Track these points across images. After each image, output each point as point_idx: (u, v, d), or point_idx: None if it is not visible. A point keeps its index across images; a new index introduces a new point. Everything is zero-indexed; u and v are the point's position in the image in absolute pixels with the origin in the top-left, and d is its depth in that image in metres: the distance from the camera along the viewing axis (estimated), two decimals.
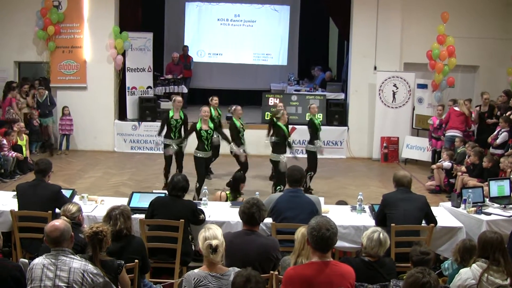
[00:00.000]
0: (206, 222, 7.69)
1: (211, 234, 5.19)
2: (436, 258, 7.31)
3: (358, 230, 7.87)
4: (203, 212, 7.91)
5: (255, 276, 4.76)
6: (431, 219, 7.68)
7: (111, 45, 16.41)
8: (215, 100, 13.30)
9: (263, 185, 12.04)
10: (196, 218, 7.65)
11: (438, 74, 15.69)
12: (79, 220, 6.69)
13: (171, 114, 12.11)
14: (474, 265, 5.66)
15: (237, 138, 12.30)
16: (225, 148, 12.71)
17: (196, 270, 5.20)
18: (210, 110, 11.96)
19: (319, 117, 12.61)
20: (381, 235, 5.72)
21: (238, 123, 12.42)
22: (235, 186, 9.65)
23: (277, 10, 21.72)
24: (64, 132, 16.28)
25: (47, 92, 15.79)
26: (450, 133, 14.07)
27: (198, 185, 11.11)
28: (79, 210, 6.79)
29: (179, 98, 12.47)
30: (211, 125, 11.33)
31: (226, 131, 12.33)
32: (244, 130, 12.49)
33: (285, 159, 11.26)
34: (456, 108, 14.19)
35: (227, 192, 9.68)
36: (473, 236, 7.85)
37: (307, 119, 12.89)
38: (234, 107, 12.73)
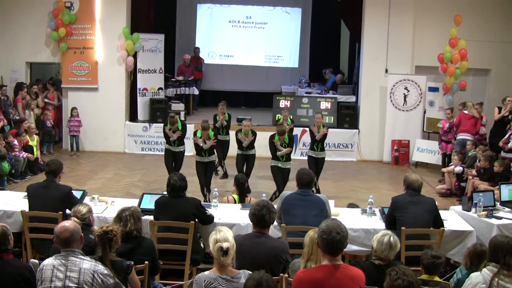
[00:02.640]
0: (215, 224, 7.72)
1: (222, 237, 5.19)
2: (446, 262, 7.29)
3: (368, 233, 7.88)
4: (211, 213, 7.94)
5: (267, 280, 4.75)
6: (439, 223, 7.66)
7: (122, 46, 16.45)
8: (221, 106, 13.74)
9: (271, 187, 12.03)
10: (202, 213, 7.66)
11: (449, 77, 15.60)
12: (89, 221, 6.72)
13: (168, 127, 12.23)
14: (484, 269, 5.63)
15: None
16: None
17: (206, 272, 5.19)
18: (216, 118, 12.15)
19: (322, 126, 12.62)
20: (391, 238, 5.69)
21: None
22: (240, 188, 9.65)
23: (289, 12, 21.72)
24: (72, 133, 16.28)
25: (3, 98, 15.06)
26: (461, 136, 14.00)
27: (200, 188, 11.64)
28: (90, 211, 6.81)
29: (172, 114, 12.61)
30: (211, 134, 11.68)
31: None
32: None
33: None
34: (466, 111, 14.12)
35: (234, 195, 9.67)
36: (484, 240, 7.81)
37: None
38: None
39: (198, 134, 11.51)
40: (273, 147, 11.46)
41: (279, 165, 11.48)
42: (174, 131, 12.00)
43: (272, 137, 11.51)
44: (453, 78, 15.56)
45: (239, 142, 12.45)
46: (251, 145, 12.52)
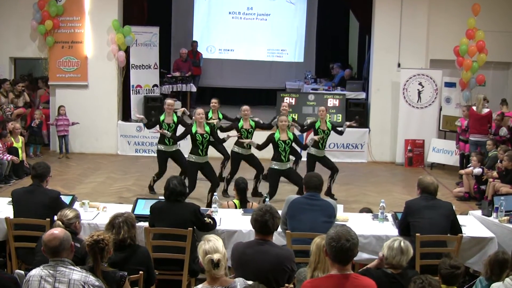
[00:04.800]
0: (216, 231, 7.71)
1: (211, 247, 5.16)
2: (465, 271, 7.27)
3: (380, 240, 7.83)
4: (214, 220, 7.92)
5: None
6: (456, 229, 7.64)
7: (113, 40, 16.44)
8: (213, 102, 13.50)
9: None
10: (199, 220, 7.61)
11: (466, 71, 15.57)
12: (75, 227, 6.66)
13: (162, 118, 12.34)
14: (507, 279, 5.61)
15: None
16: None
17: (199, 286, 5.19)
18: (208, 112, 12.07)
19: (329, 121, 12.52)
20: (402, 243, 5.71)
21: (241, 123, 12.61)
22: (242, 194, 9.64)
23: (293, 3, 21.71)
24: (61, 134, 16.25)
25: None
26: (473, 137, 13.95)
27: (188, 190, 11.23)
28: (77, 216, 6.78)
29: (169, 101, 12.64)
30: (207, 128, 11.41)
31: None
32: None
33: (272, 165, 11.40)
34: (474, 108, 14.06)
35: (235, 201, 9.65)
36: (506, 247, 7.80)
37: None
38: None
39: (194, 129, 11.41)
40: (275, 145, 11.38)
41: (277, 167, 11.34)
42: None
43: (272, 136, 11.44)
44: (470, 72, 15.51)
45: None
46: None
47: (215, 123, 12.50)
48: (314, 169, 12.22)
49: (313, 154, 12.43)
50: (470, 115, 14.16)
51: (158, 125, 12.41)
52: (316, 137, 11.95)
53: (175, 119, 12.32)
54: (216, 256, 5.08)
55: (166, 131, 11.90)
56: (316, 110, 16.47)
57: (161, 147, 12.36)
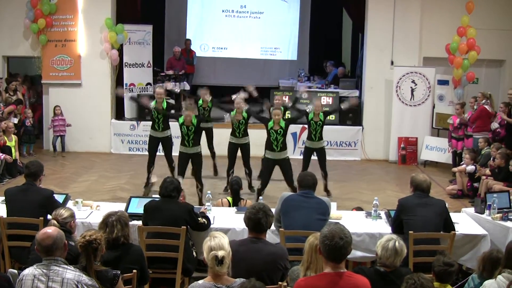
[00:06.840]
0: (211, 229, 7.71)
1: (216, 244, 5.16)
2: (459, 268, 7.28)
3: (373, 237, 7.86)
4: (208, 219, 7.93)
5: None
6: (449, 226, 7.66)
7: (105, 38, 16.40)
8: (204, 91, 13.60)
9: (269, 188, 11.99)
10: (194, 220, 7.64)
11: (457, 69, 15.57)
12: (70, 227, 6.64)
13: (153, 104, 12.39)
14: (499, 276, 5.61)
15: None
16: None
17: (200, 281, 5.18)
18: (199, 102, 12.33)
19: (321, 115, 12.48)
20: (396, 243, 5.67)
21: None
22: (235, 194, 9.63)
23: (287, 1, 21.68)
24: (58, 134, 16.26)
25: None
26: (485, 136, 13.69)
27: None
28: (72, 216, 6.76)
29: (158, 90, 12.66)
30: (194, 121, 11.38)
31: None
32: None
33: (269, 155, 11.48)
34: (487, 107, 13.91)
35: (228, 198, 9.65)
36: (499, 245, 7.82)
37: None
38: None
39: (181, 120, 11.42)
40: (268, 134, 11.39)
41: (269, 156, 11.38)
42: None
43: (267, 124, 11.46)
44: (461, 70, 15.51)
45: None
46: (245, 133, 12.50)
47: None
48: (309, 160, 12.40)
49: (308, 147, 12.50)
50: (485, 114, 13.94)
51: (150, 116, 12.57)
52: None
53: (165, 106, 12.35)
54: (220, 253, 5.09)
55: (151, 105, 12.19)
56: (309, 108, 16.46)
57: (151, 132, 12.49)
